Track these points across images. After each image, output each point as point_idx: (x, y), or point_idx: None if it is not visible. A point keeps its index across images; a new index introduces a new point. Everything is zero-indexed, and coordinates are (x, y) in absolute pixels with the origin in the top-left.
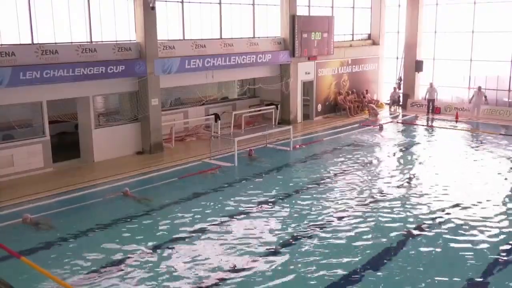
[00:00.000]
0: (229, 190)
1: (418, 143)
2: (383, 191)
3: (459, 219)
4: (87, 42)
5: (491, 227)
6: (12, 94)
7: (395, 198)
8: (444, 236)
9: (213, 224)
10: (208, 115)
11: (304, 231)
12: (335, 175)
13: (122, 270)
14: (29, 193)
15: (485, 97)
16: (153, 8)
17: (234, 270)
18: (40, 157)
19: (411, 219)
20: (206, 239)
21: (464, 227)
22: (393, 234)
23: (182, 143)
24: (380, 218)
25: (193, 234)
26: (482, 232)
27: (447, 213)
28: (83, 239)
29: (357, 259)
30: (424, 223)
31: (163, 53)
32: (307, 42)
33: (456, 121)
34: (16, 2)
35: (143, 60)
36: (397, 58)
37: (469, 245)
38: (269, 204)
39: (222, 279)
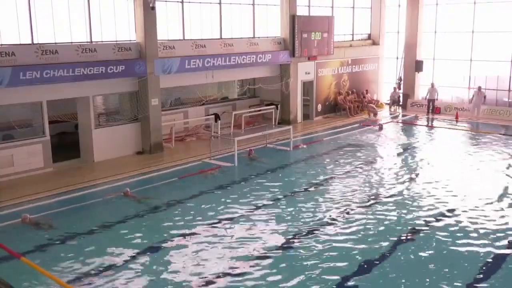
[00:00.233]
0: (229, 190)
1: (418, 143)
2: (383, 191)
3: (459, 219)
4: (87, 42)
5: (492, 227)
6: (12, 94)
7: (395, 199)
8: (444, 236)
9: (213, 224)
10: (208, 115)
11: (304, 231)
12: (335, 175)
13: (122, 270)
14: (29, 193)
15: (484, 97)
16: (153, 8)
17: (234, 270)
18: (40, 157)
19: (411, 220)
20: (206, 239)
21: (464, 227)
22: (393, 234)
23: (182, 143)
24: (380, 219)
25: (193, 235)
26: (482, 232)
27: (447, 213)
28: (83, 239)
29: (357, 259)
30: (424, 224)
31: (163, 53)
32: (307, 42)
33: (456, 121)
34: (16, 2)
35: (143, 60)
36: (397, 58)
37: (469, 246)
38: (269, 204)
39: (222, 280)
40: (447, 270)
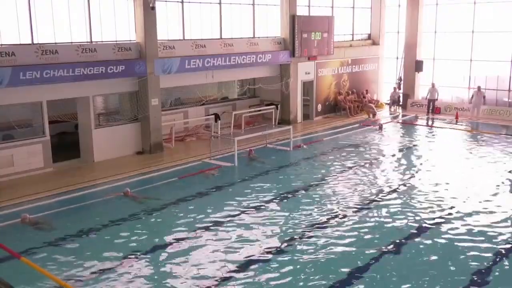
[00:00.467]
0: (229, 190)
1: (418, 143)
2: (383, 191)
3: (459, 219)
4: (87, 42)
5: (492, 227)
6: (12, 94)
7: (395, 199)
8: (444, 236)
9: (213, 224)
10: (208, 115)
11: (304, 232)
12: (335, 175)
13: (122, 270)
14: (29, 193)
15: (484, 97)
16: (153, 8)
17: (234, 270)
18: (40, 157)
19: (411, 220)
20: (206, 239)
21: (464, 227)
22: (393, 234)
23: (182, 143)
24: (380, 219)
25: (193, 235)
26: (483, 232)
27: (448, 213)
28: (83, 239)
29: (357, 260)
30: (424, 224)
31: (163, 53)
32: (307, 42)
33: (456, 121)
34: (16, 2)
35: (143, 60)
36: (397, 58)
37: (470, 245)
38: (269, 204)
39: (222, 280)
40: (447, 270)
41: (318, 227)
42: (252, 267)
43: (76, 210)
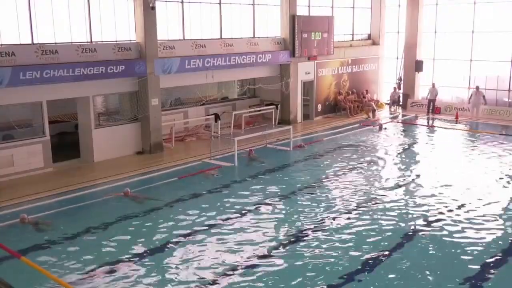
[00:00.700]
0: (229, 190)
1: (418, 143)
2: (383, 191)
3: (459, 219)
4: (87, 42)
5: (492, 227)
6: (12, 94)
7: (395, 199)
8: (445, 236)
9: (213, 225)
10: (208, 115)
11: (304, 232)
12: (335, 175)
13: (122, 270)
14: (29, 193)
15: (483, 97)
16: (153, 8)
17: (234, 270)
18: (40, 157)
19: (411, 220)
20: (206, 239)
21: (464, 227)
22: (393, 234)
23: (182, 143)
24: (380, 219)
25: (193, 235)
26: (483, 233)
27: (448, 214)
28: (83, 239)
29: (357, 260)
30: (425, 224)
31: (163, 53)
32: (307, 42)
33: (456, 121)
34: (16, 2)
35: (143, 60)
36: (397, 58)
37: (470, 245)
38: (269, 204)
39: (222, 281)
40: (448, 270)
41: (318, 227)
42: (252, 267)
43: (76, 210)
